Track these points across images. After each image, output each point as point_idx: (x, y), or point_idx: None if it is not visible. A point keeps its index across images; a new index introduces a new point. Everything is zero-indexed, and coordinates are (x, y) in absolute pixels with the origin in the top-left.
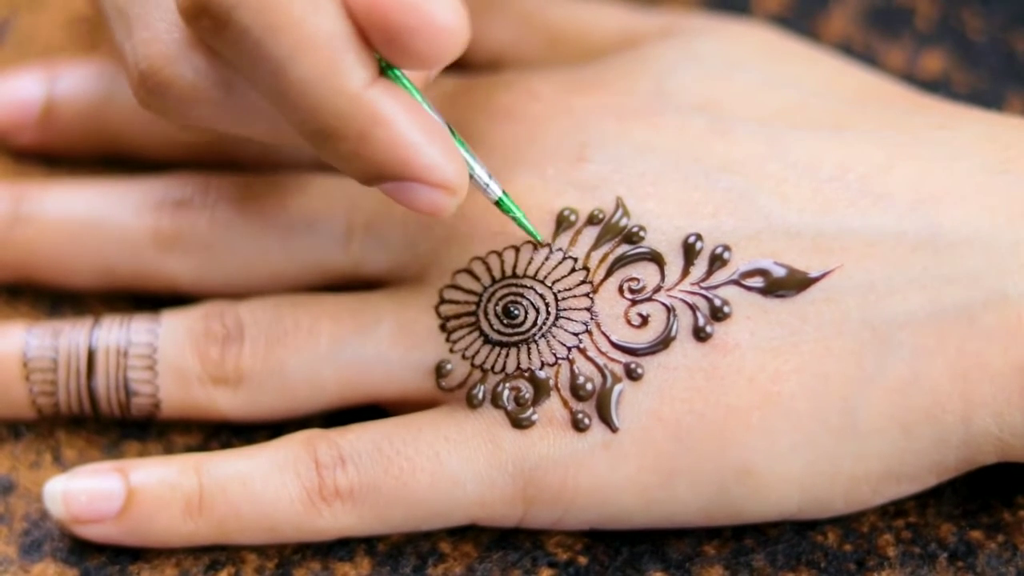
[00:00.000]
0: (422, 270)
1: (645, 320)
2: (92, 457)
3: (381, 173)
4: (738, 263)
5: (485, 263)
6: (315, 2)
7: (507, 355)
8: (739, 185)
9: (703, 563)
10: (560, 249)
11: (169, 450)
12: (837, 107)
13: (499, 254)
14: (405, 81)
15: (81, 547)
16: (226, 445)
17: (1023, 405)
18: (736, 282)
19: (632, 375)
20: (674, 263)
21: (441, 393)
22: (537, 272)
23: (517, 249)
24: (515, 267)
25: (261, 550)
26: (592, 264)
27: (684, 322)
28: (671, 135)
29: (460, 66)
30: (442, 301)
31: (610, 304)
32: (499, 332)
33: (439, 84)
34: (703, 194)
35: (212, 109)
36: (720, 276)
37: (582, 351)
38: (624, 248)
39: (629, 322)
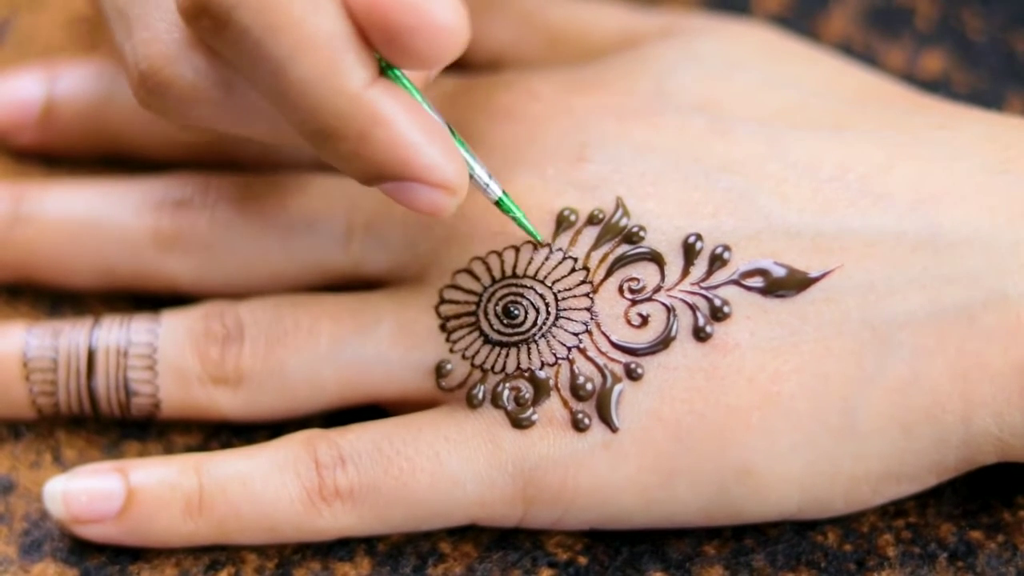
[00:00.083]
0: (422, 270)
1: (645, 320)
2: (92, 457)
3: (381, 173)
4: (738, 263)
5: (485, 263)
6: (315, 2)
7: (507, 355)
8: (739, 185)
9: (703, 563)
10: (560, 249)
11: (169, 450)
12: (837, 107)
13: (499, 254)
14: (405, 81)
15: (81, 547)
16: (226, 445)
17: (1023, 405)
18: (736, 282)
19: (632, 375)
20: (674, 263)
21: (441, 393)
22: (537, 272)
23: (517, 249)
24: (515, 267)
25: (261, 550)
26: (592, 264)
27: (684, 322)
28: (671, 135)
29: (460, 66)
30: (442, 301)
31: (610, 304)
32: (499, 332)
33: (439, 84)
34: (703, 194)
35: (212, 109)
36: (720, 276)
37: (582, 351)
38: (624, 248)
39: (629, 322)
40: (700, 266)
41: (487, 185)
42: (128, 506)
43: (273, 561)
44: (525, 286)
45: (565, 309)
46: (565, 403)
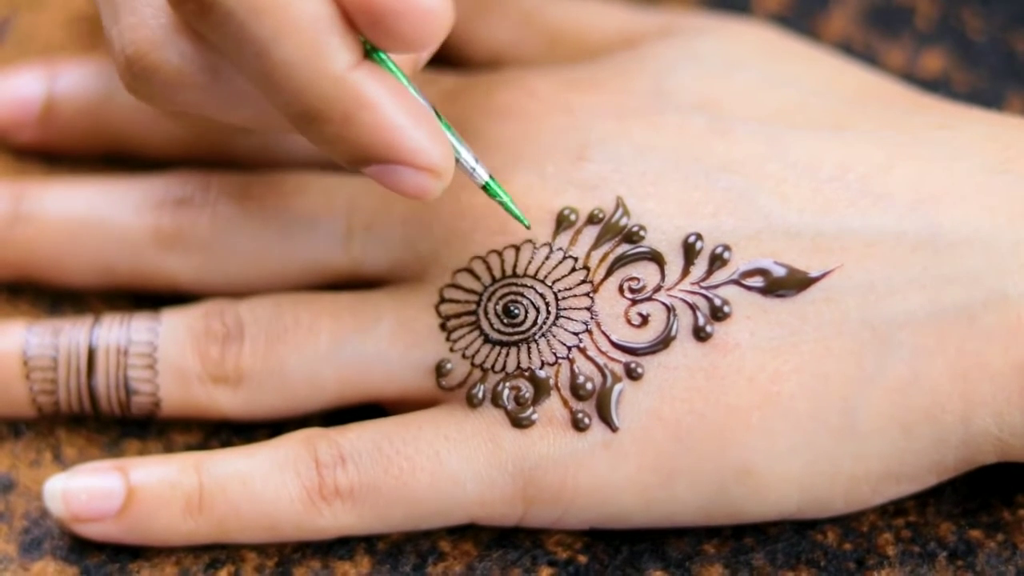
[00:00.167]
0: (422, 269)
1: (645, 320)
2: (92, 455)
3: (367, 156)
4: (738, 263)
5: (485, 262)
6: None
7: (507, 354)
8: (739, 185)
9: (703, 562)
10: (560, 248)
11: (169, 449)
12: (837, 107)
13: (499, 253)
14: (391, 64)
15: (81, 545)
16: (226, 444)
17: (1023, 405)
18: (736, 282)
19: (632, 375)
20: (674, 263)
21: (441, 392)
22: (537, 271)
23: (517, 248)
24: (515, 266)
25: (261, 548)
26: (592, 264)
27: (684, 322)
28: (671, 134)
29: (459, 65)
30: (442, 300)
31: (610, 304)
32: (499, 331)
33: (438, 81)
34: (703, 194)
35: (198, 94)
36: (720, 276)
37: (582, 350)
38: (624, 248)
39: (629, 322)
40: (700, 266)
41: (473, 169)
42: (128, 505)
43: (273, 560)
44: (525, 285)
45: (565, 308)
46: (565, 402)
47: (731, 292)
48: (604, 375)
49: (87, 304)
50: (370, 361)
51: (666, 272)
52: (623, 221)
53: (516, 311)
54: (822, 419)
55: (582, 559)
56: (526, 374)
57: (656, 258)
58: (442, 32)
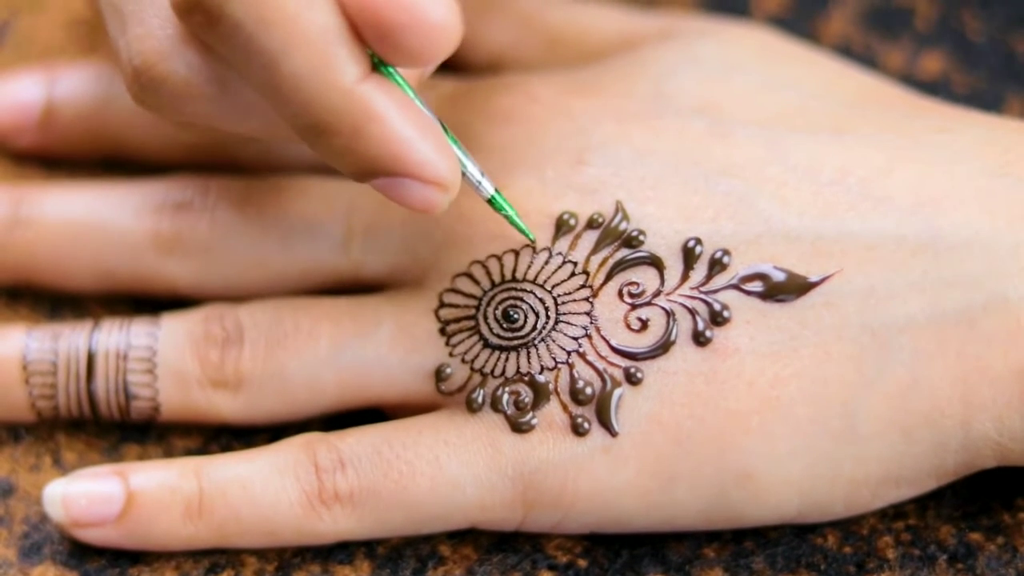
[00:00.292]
0: (422, 274)
1: (645, 324)
2: (92, 460)
3: (374, 168)
4: (738, 267)
5: (485, 267)
6: None
7: (507, 359)
8: (739, 189)
9: (703, 565)
10: (560, 253)
11: (169, 453)
12: (837, 110)
13: (499, 258)
14: (398, 77)
15: (81, 550)
16: (226, 448)
17: (1023, 409)
18: (736, 286)
19: (632, 379)
20: (674, 267)
21: (441, 397)
22: (537, 276)
23: (517, 253)
24: (515, 271)
25: (261, 553)
26: (592, 268)
27: (684, 326)
28: (670, 138)
29: (459, 68)
30: (442, 305)
31: (610, 308)
32: (499, 336)
33: (438, 86)
34: (703, 198)
35: (206, 105)
36: (720, 280)
37: (582, 355)
38: (624, 252)
39: (629, 326)
40: (700, 270)
41: (479, 183)
42: (128, 509)
43: (273, 564)
44: (525, 290)
45: (565, 313)
46: (565, 407)
47: (731, 297)
48: (604, 380)
49: (87, 308)
50: (370, 366)
51: (665, 277)
52: (622, 226)
53: (516, 316)
54: (822, 423)
55: (582, 563)
56: (526, 379)
57: (656, 263)
58: (450, 47)
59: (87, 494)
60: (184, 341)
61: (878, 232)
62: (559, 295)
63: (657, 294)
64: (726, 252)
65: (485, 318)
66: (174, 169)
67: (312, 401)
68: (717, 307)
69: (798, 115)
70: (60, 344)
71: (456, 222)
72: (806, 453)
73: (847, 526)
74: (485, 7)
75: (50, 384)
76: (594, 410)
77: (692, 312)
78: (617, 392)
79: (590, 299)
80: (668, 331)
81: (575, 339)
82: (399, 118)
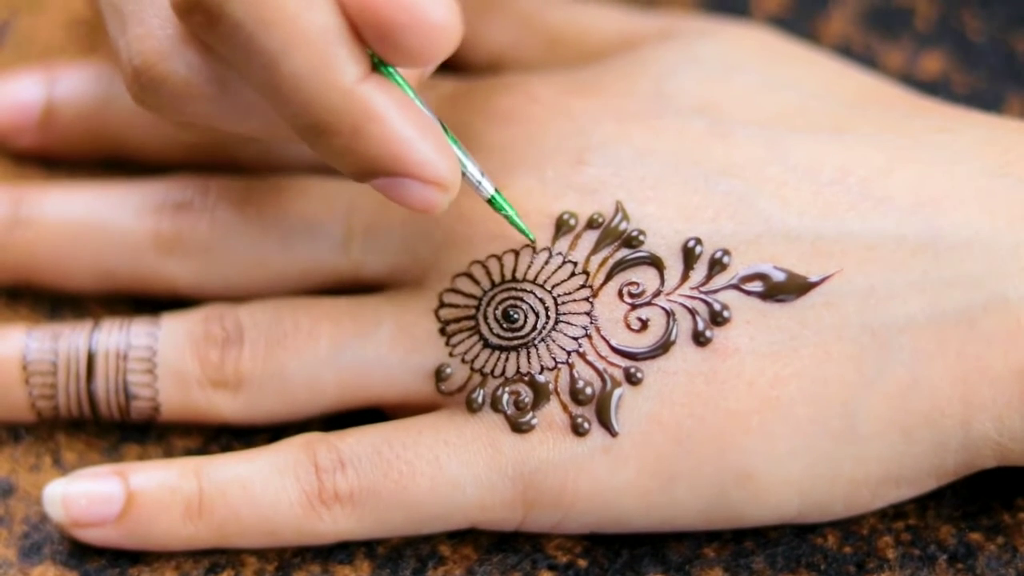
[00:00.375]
0: (422, 274)
1: (645, 324)
2: (92, 460)
3: (374, 168)
4: (738, 267)
5: (485, 267)
6: None
7: (507, 359)
8: (739, 189)
9: (703, 565)
10: (560, 253)
11: (169, 453)
12: (837, 110)
13: (499, 258)
14: (398, 77)
15: (81, 550)
16: (226, 448)
17: (1023, 409)
18: (736, 286)
19: (632, 379)
20: (674, 267)
21: (441, 397)
22: (537, 276)
23: (517, 253)
24: (515, 271)
25: (261, 553)
26: (592, 268)
27: (684, 326)
28: (670, 138)
29: (459, 68)
30: (442, 305)
31: (610, 308)
32: (499, 336)
33: (438, 86)
34: (703, 198)
35: (206, 105)
36: (720, 280)
37: (582, 355)
38: (624, 252)
39: (629, 326)
40: (700, 270)
41: (479, 183)
42: (128, 510)
43: (273, 564)
44: (525, 290)
45: (565, 313)
46: (565, 407)
47: (731, 297)
48: (604, 380)
49: (87, 308)
50: (370, 366)
51: (665, 277)
52: (622, 226)
53: (516, 316)
54: (822, 423)
55: (582, 563)
56: (526, 379)
57: (656, 263)
58: (450, 47)
59: (87, 494)
60: (184, 341)
61: (878, 232)
62: (559, 295)
63: (657, 294)
64: (726, 252)
65: (485, 318)
66: (174, 169)
67: (312, 401)
68: (717, 307)
69: (798, 115)
70: (60, 344)
71: (456, 222)
72: (806, 453)
73: (847, 526)
74: (485, 7)
75: (50, 384)
76: (594, 410)
77: (692, 312)
78: (617, 392)
79: (590, 299)
80: (668, 331)
81: (575, 339)
82: (399, 118)
